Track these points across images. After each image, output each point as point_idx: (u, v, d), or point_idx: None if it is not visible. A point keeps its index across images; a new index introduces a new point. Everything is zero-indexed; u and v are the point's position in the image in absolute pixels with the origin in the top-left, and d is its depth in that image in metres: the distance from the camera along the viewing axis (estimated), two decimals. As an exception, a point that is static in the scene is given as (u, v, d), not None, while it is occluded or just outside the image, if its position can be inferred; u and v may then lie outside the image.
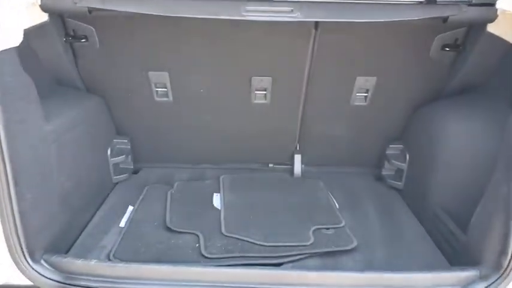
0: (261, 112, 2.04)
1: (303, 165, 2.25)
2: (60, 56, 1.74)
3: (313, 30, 1.70)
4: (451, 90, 1.89)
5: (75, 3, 1.51)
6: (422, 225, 1.81)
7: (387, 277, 1.31)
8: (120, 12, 1.49)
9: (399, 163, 2.06)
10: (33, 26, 1.51)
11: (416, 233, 1.76)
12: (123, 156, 2.06)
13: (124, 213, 1.81)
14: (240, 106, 2.01)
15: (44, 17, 1.56)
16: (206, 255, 1.51)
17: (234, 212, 1.78)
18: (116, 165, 2.04)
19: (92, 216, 1.78)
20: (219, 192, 1.96)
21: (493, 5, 1.52)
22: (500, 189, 1.28)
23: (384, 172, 2.17)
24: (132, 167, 2.16)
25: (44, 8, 1.51)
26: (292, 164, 2.25)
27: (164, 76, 1.89)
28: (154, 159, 2.25)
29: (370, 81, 1.91)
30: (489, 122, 1.62)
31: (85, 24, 1.70)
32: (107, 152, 1.98)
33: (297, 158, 2.25)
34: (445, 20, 1.56)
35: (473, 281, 1.30)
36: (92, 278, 1.29)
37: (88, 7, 1.51)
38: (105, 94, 1.95)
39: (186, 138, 2.14)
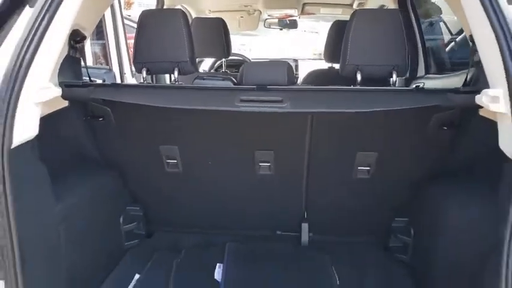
0: (266, 182, 2.11)
1: (310, 234, 2.27)
2: (80, 134, 1.92)
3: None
4: (453, 168, 1.89)
5: (90, 93, 1.69)
6: None
7: None
8: None
9: (405, 237, 2.05)
10: (55, 111, 1.70)
11: None
12: (135, 223, 2.18)
13: (130, 282, 1.90)
14: (246, 177, 2.10)
15: (65, 103, 1.76)
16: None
17: (227, 286, 1.82)
18: (128, 232, 2.16)
19: (100, 285, 1.87)
20: (222, 262, 2.01)
21: (479, 92, 1.55)
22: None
23: (391, 244, 2.15)
24: (144, 232, 2.26)
25: (64, 97, 1.71)
26: (300, 232, 2.28)
27: (174, 150, 2.02)
28: (165, 224, 2.35)
29: (371, 157, 1.94)
30: (487, 208, 1.61)
31: (102, 106, 1.88)
32: (119, 220, 2.10)
33: (304, 227, 2.28)
34: (434, 105, 1.60)
35: None
36: None
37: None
38: (120, 166, 2.10)
39: (195, 205, 2.23)
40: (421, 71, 3.18)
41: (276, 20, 4.65)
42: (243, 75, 1.86)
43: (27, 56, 1.27)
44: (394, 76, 1.78)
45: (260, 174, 2.06)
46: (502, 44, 1.18)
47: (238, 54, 4.21)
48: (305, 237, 2.26)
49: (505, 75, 1.17)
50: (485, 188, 1.69)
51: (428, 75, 3.05)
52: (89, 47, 3.85)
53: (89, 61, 4.06)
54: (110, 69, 3.33)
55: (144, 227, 2.26)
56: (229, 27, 3.23)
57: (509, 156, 1.21)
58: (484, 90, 1.32)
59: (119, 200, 2.11)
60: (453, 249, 1.67)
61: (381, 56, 1.79)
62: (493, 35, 1.20)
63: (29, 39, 1.28)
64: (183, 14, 1.84)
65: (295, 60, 5.21)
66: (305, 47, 7.02)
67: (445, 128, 1.79)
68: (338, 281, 1.90)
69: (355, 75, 1.79)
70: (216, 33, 3.03)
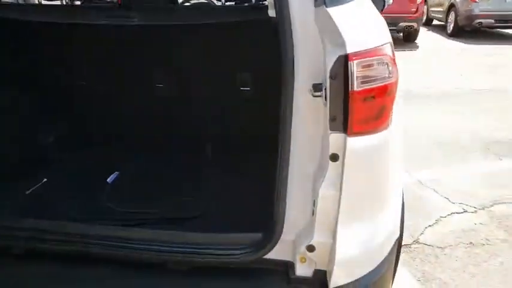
0: (166, 104, 2.34)
1: (212, 153, 2.52)
2: None
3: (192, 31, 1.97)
4: None
5: None
6: None
7: (191, 236, 1.56)
8: None
9: None
10: None
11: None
12: (62, 138, 2.47)
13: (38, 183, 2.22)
14: (147, 99, 2.34)
15: None
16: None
17: (115, 187, 2.13)
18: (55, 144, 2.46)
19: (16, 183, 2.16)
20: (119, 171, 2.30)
21: None
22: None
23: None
24: (70, 145, 2.54)
25: None
26: (205, 152, 2.53)
27: (83, 70, 2.28)
28: (86, 139, 2.57)
29: (248, 76, 2.14)
30: None
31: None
32: (50, 135, 2.41)
33: (208, 147, 2.53)
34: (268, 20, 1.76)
35: (257, 242, 1.50)
36: None
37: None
38: (42, 87, 2.37)
39: (107, 123, 2.50)
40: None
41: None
42: None
43: None
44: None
45: (158, 97, 2.30)
46: None
47: None
48: (208, 155, 2.51)
49: None
50: None
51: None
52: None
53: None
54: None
55: (69, 141, 2.54)
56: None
57: None
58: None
59: (44, 115, 2.39)
60: None
61: None
62: None
63: None
64: None
65: None
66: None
67: None
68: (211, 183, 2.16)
69: None
70: None
